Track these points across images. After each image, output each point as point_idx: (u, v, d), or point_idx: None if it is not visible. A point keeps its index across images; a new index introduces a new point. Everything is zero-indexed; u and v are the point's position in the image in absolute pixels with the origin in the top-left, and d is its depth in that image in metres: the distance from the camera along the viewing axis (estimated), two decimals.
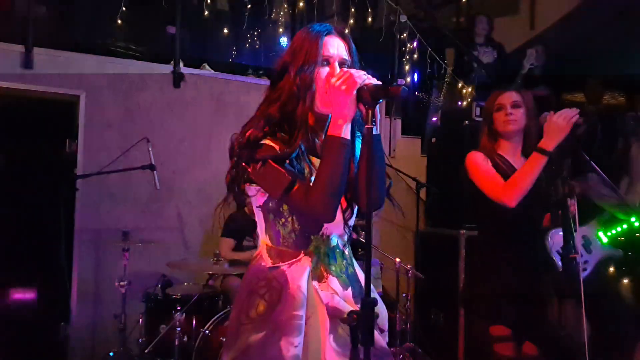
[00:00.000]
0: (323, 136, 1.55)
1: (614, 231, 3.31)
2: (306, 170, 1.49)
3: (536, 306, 2.38)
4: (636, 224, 3.52)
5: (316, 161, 1.53)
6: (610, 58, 5.18)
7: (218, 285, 3.76)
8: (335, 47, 1.52)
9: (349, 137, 1.42)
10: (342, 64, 1.51)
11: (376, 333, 1.53)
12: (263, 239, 1.57)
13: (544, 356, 2.37)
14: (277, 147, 1.45)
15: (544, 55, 5.02)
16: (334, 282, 1.53)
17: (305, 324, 1.47)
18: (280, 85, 1.51)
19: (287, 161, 1.44)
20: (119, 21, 4.24)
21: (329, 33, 1.52)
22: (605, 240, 3.19)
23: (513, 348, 2.35)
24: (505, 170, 2.38)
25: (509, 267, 2.38)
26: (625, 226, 3.33)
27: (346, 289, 1.55)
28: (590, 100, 4.95)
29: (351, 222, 1.59)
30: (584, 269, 2.48)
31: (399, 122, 5.38)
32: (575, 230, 2.40)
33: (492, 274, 2.41)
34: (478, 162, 2.42)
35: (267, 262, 1.54)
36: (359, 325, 1.29)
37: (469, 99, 5.17)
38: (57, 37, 4.21)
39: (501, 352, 2.35)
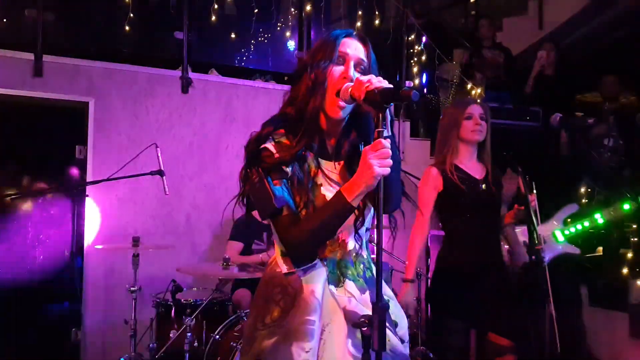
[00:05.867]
0: (335, 140, 1.55)
1: (572, 229, 3.44)
2: (312, 171, 1.48)
3: (500, 299, 2.52)
4: (600, 220, 3.58)
5: (326, 164, 1.52)
6: (621, 57, 5.13)
7: (228, 290, 3.75)
8: (353, 48, 1.51)
9: (356, 205, 1.39)
10: (358, 64, 1.50)
11: (395, 338, 1.52)
12: (278, 244, 1.56)
13: (515, 348, 2.48)
14: (276, 155, 1.45)
15: (553, 55, 4.98)
16: (351, 286, 1.52)
17: (324, 330, 1.46)
18: (298, 85, 1.52)
19: (287, 166, 1.44)
20: (127, 27, 4.27)
21: (348, 35, 1.53)
22: (561, 238, 3.54)
23: (465, 341, 2.57)
24: (459, 181, 2.56)
25: (467, 265, 2.55)
26: (586, 224, 3.46)
27: (364, 293, 1.54)
28: (607, 99, 4.89)
29: (368, 224, 1.58)
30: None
31: (407, 124, 5.36)
32: (538, 224, 2.71)
33: (451, 268, 2.59)
34: (425, 186, 2.63)
35: (283, 268, 1.53)
36: (371, 330, 1.28)
37: (478, 100, 5.13)
38: (66, 44, 4.25)
39: (453, 344, 2.56)
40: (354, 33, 1.55)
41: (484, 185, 2.61)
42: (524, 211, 2.67)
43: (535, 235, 2.68)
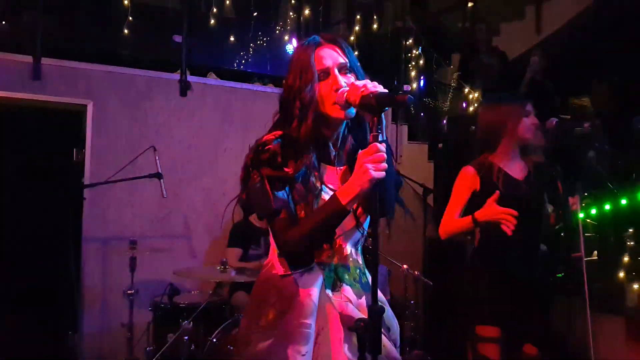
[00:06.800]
0: (336, 145, 1.55)
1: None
2: (317, 184, 1.48)
3: (534, 308, 2.42)
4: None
5: (328, 169, 1.53)
6: (616, 62, 5.15)
7: (225, 293, 3.76)
8: (328, 56, 1.50)
9: (350, 208, 1.41)
10: (341, 68, 1.49)
11: (388, 342, 1.53)
12: (275, 247, 1.56)
13: (544, 357, 2.39)
14: (282, 166, 1.45)
15: (544, 60, 5.01)
16: (348, 291, 1.53)
17: (319, 334, 1.46)
18: (286, 110, 1.51)
19: (290, 180, 1.44)
20: (126, 30, 4.27)
21: (317, 46, 1.51)
22: None
23: (498, 350, 2.37)
24: (498, 182, 2.41)
25: (503, 269, 2.42)
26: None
27: (360, 298, 1.54)
28: (596, 104, 4.92)
29: (365, 230, 1.58)
30: None
31: (405, 128, 5.38)
32: (580, 230, 2.50)
33: (486, 276, 2.46)
34: (460, 185, 2.51)
35: (279, 270, 1.53)
36: (366, 333, 1.29)
37: (476, 104, 5.15)
38: (65, 47, 4.25)
39: (485, 353, 2.38)
40: (320, 40, 1.52)
41: (524, 187, 2.45)
42: (563, 215, 2.47)
43: (576, 242, 2.46)
